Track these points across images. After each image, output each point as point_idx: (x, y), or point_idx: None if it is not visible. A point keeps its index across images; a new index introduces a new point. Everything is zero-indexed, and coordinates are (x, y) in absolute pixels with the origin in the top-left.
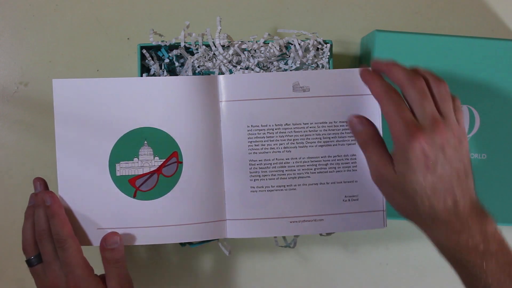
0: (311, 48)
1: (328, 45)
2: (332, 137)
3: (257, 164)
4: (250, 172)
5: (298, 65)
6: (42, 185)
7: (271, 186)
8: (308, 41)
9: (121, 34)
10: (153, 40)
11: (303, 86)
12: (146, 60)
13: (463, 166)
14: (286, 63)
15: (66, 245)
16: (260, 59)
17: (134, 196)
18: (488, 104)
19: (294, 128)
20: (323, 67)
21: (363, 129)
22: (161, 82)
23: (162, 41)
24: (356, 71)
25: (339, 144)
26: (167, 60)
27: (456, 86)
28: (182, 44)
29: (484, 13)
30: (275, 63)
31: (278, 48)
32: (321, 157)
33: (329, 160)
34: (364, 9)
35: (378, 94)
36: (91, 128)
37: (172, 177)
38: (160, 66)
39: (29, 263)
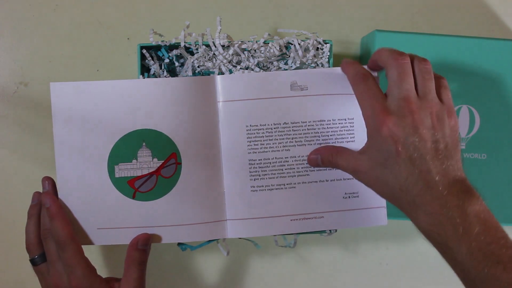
0: (311, 48)
1: (328, 45)
2: (330, 135)
3: (257, 164)
4: (250, 172)
5: (298, 65)
6: (50, 184)
7: (271, 185)
8: (308, 41)
9: (121, 34)
10: (153, 40)
11: (301, 85)
12: (146, 60)
13: (444, 144)
14: (286, 63)
15: (66, 246)
16: (260, 59)
17: (134, 197)
18: (488, 104)
19: (292, 127)
20: (323, 66)
21: (321, 152)
22: (158, 83)
23: (162, 41)
24: None
25: (338, 142)
26: (167, 60)
27: (456, 86)
28: (182, 44)
29: (484, 13)
30: (275, 63)
31: (278, 48)
32: None
33: None
34: (364, 9)
35: (351, 79)
36: (90, 131)
37: (171, 178)
38: (160, 66)
39: (33, 262)
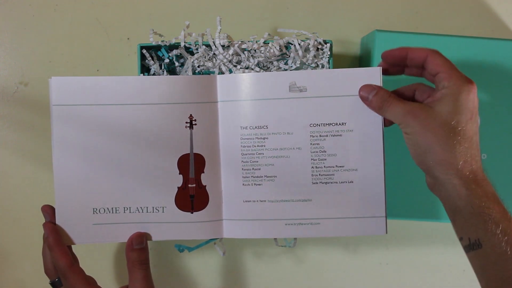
0: (311, 48)
1: (328, 45)
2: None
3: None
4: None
5: (298, 65)
6: (49, 214)
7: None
8: (308, 41)
9: (121, 34)
10: (153, 40)
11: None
12: (146, 60)
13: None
14: (286, 63)
15: (66, 275)
16: (260, 59)
17: None
18: (488, 104)
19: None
20: (323, 67)
21: (374, 96)
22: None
23: (162, 41)
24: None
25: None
26: (167, 60)
27: None
28: (182, 44)
29: (484, 13)
30: (275, 63)
31: (278, 48)
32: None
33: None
34: (364, 9)
35: (427, 51)
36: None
37: None
38: (160, 66)
39: (53, 285)
